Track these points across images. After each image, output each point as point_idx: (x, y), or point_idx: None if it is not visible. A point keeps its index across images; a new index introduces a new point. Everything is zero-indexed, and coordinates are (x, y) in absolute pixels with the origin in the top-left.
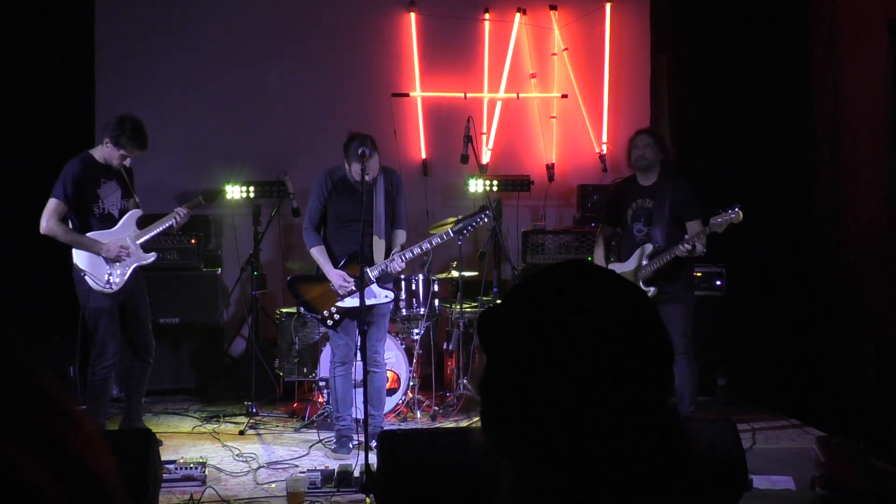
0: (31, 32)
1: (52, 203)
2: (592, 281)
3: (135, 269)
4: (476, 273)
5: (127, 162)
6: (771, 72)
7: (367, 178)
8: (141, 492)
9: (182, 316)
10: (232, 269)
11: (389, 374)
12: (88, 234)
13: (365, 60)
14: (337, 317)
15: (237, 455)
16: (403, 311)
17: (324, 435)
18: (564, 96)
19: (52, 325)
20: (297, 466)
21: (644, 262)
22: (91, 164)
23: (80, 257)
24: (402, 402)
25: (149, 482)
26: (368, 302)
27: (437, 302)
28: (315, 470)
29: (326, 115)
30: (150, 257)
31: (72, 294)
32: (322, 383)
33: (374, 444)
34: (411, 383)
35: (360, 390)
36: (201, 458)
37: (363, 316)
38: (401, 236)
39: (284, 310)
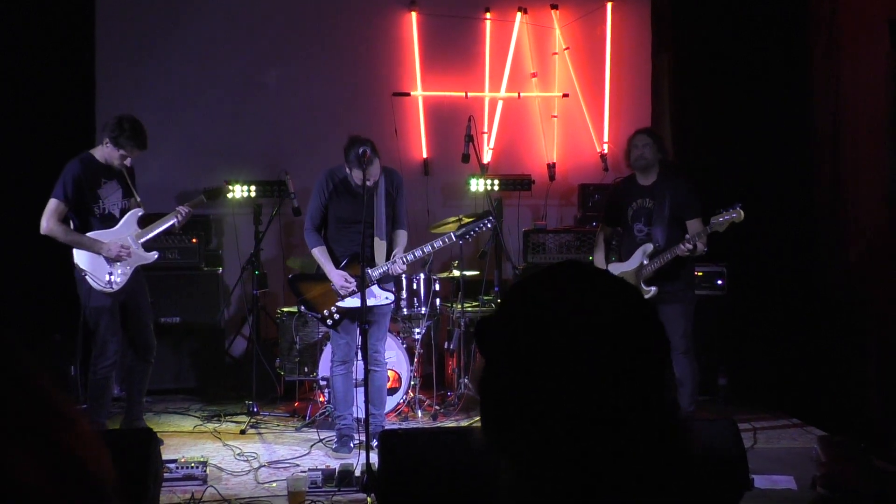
0: (32, 32)
1: (52, 203)
2: (592, 281)
3: (136, 269)
4: (477, 272)
5: (127, 162)
6: (771, 71)
7: (368, 182)
8: (142, 491)
9: (183, 315)
10: (233, 268)
11: (390, 373)
12: (89, 234)
13: (366, 60)
14: (337, 316)
15: (238, 454)
16: (405, 310)
17: (324, 434)
18: (565, 95)
19: (53, 324)
20: (297, 466)
21: (645, 262)
22: (91, 165)
23: (80, 257)
24: (404, 402)
25: (150, 481)
26: (369, 302)
27: (438, 301)
28: (316, 469)
29: (327, 114)
30: (152, 256)
31: (72, 294)
32: (323, 382)
33: (375, 443)
34: (412, 383)
35: (360, 389)
36: (202, 457)
37: (364, 316)
38: (402, 236)
39: (285, 309)
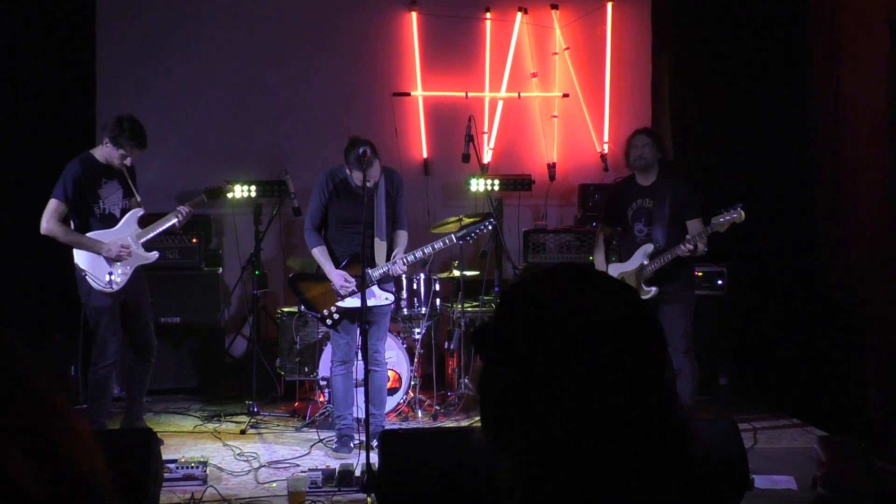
0: (32, 32)
1: (52, 204)
2: (591, 281)
3: (137, 269)
4: (477, 272)
5: (128, 161)
6: (771, 71)
7: (368, 184)
8: (142, 491)
9: (183, 315)
10: (233, 268)
11: (391, 373)
12: (89, 234)
13: (366, 60)
14: (336, 316)
15: (238, 454)
16: (405, 310)
17: (325, 434)
18: (566, 95)
19: (53, 324)
20: (298, 466)
21: (645, 263)
22: (92, 165)
23: (80, 257)
24: (404, 402)
25: (150, 481)
26: (369, 303)
27: (438, 301)
28: (316, 469)
29: (327, 114)
30: (153, 256)
31: (72, 294)
32: (323, 382)
33: (375, 443)
34: (412, 383)
35: (361, 389)
36: (202, 457)
37: (364, 316)
38: (402, 237)
39: (285, 309)
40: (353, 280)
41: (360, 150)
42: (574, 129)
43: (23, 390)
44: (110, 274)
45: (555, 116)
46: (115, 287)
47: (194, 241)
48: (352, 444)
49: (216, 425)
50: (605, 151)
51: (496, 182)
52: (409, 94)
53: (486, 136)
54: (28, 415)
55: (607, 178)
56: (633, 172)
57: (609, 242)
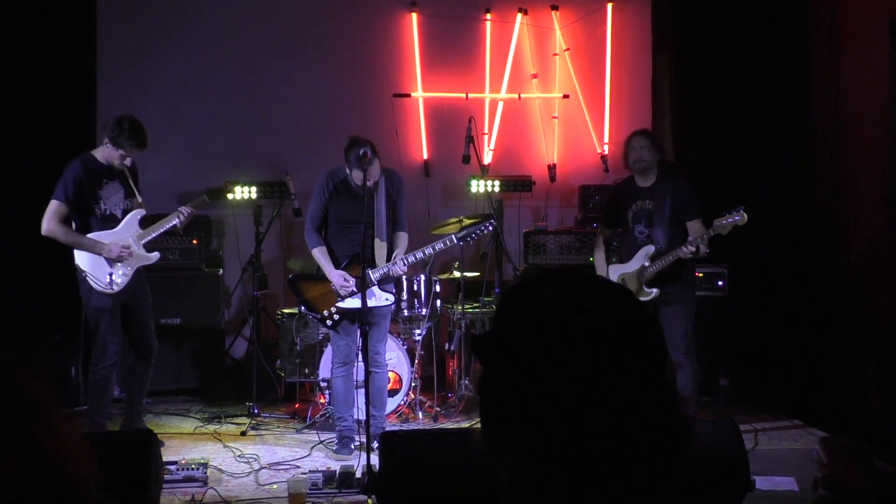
0: (32, 33)
1: (52, 205)
2: (590, 284)
3: (138, 269)
4: (478, 274)
5: (128, 162)
6: (771, 71)
7: (368, 183)
8: (142, 492)
9: (183, 316)
10: (233, 269)
11: (391, 374)
12: (90, 235)
13: (366, 61)
14: (336, 317)
15: (239, 456)
16: (405, 311)
17: (325, 436)
18: (566, 96)
19: (54, 325)
20: (298, 467)
21: (646, 264)
22: (92, 165)
23: (81, 258)
24: (404, 403)
25: (150, 483)
26: (369, 303)
27: (438, 302)
28: (317, 471)
29: (328, 115)
30: (154, 257)
31: (73, 294)
32: (323, 384)
33: (375, 444)
34: (413, 384)
35: (361, 391)
36: (203, 458)
37: (364, 317)
38: (402, 238)
39: (286, 310)
40: (353, 280)
41: (361, 151)
42: (574, 130)
43: (8, 391)
44: (111, 275)
45: (555, 117)
46: (116, 288)
47: (195, 242)
48: (352, 446)
49: (216, 427)
50: (606, 152)
51: (496, 183)
52: (409, 96)
53: (486, 137)
54: (11, 416)
55: (608, 180)
56: (632, 174)
57: (609, 244)
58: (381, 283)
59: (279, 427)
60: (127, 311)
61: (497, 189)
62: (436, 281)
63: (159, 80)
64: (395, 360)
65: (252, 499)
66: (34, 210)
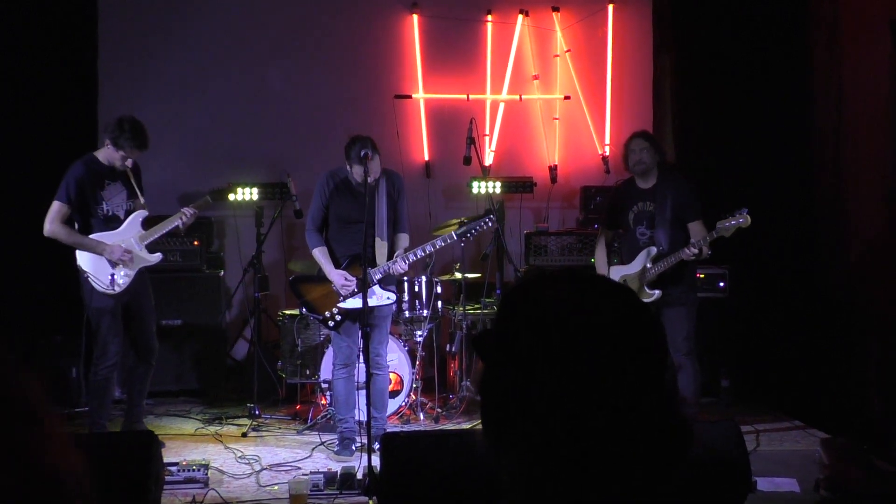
0: (34, 33)
1: (54, 206)
2: (591, 283)
3: (140, 270)
4: (479, 275)
5: (128, 163)
6: (772, 72)
7: (368, 179)
8: (143, 494)
9: (184, 318)
10: (234, 270)
11: (392, 376)
12: (92, 236)
13: (367, 62)
14: (338, 318)
15: (240, 457)
16: (406, 312)
17: (326, 437)
18: (567, 98)
19: (55, 326)
20: (299, 469)
21: (648, 266)
22: (94, 166)
23: (83, 259)
24: (405, 405)
25: (151, 484)
26: (370, 302)
27: (440, 304)
28: (318, 472)
29: (329, 116)
30: (156, 258)
31: (73, 295)
32: (325, 385)
33: (376, 446)
34: (414, 385)
35: (362, 392)
36: (204, 460)
37: (365, 318)
38: (403, 240)
39: (287, 311)
40: (354, 279)
41: (362, 153)
42: (575, 132)
43: None
44: (113, 276)
45: (556, 118)
46: (118, 289)
47: (196, 243)
48: (353, 447)
49: (217, 428)
50: (607, 153)
51: (498, 184)
52: (410, 97)
53: (487, 138)
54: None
55: (609, 181)
56: (633, 175)
57: (610, 245)
58: (383, 282)
59: (280, 428)
60: (129, 311)
61: (498, 190)
62: (437, 282)
63: (160, 80)
64: (397, 361)
65: (253, 500)
66: (35, 210)
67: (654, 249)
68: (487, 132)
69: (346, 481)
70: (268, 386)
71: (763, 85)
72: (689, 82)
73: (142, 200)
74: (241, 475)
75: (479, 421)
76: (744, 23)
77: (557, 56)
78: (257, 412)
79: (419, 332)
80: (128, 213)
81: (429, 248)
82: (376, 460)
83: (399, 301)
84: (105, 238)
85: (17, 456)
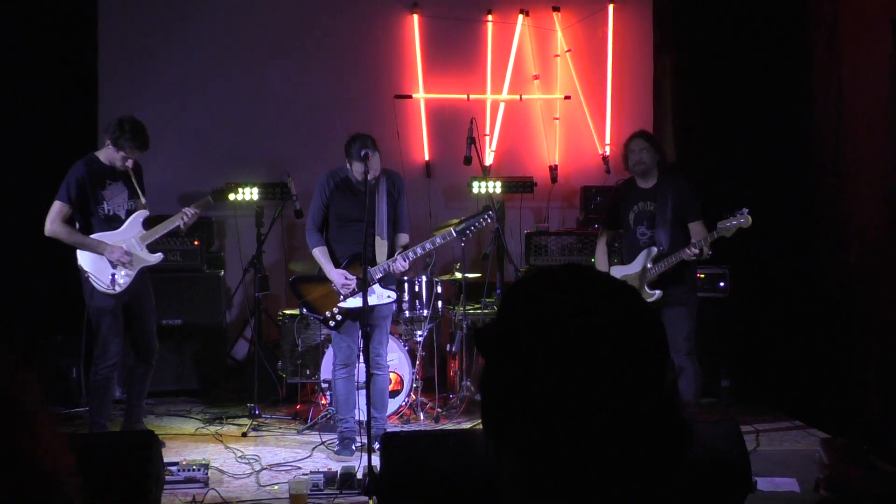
0: (34, 33)
1: (55, 205)
2: (592, 282)
3: (141, 270)
4: (479, 275)
5: (129, 163)
6: (772, 72)
7: (368, 177)
8: (143, 493)
9: (185, 317)
10: (235, 270)
11: (392, 375)
12: (93, 236)
13: (368, 62)
14: (339, 317)
15: (240, 457)
16: (406, 312)
17: (326, 437)
18: (567, 98)
19: (55, 325)
20: (299, 468)
21: (649, 266)
22: (95, 166)
23: (83, 258)
24: (405, 404)
25: (151, 483)
26: (370, 301)
27: (440, 304)
28: (318, 472)
29: (329, 116)
30: (157, 258)
31: (73, 295)
32: (325, 385)
33: (376, 445)
34: (414, 385)
35: (362, 392)
36: (204, 459)
37: (365, 317)
38: (403, 240)
39: (287, 311)
40: (354, 278)
41: (363, 153)
42: (576, 132)
43: None
44: (113, 275)
45: (556, 118)
46: (118, 289)
47: (196, 243)
48: (353, 447)
49: (218, 428)
50: (607, 153)
51: (498, 184)
52: (410, 97)
53: (487, 138)
54: None
55: (609, 181)
56: (633, 175)
57: (611, 245)
58: (383, 281)
59: (280, 428)
60: (129, 311)
61: (498, 190)
62: (437, 282)
63: (160, 80)
64: (397, 361)
65: (253, 500)
66: (35, 210)
67: (654, 249)
68: (488, 132)
69: (346, 481)
70: (268, 386)
71: (763, 85)
72: (689, 82)
73: (143, 200)
74: (242, 475)
75: (480, 421)
76: (744, 23)
77: (558, 56)
78: (257, 412)
79: (419, 332)
80: (129, 213)
81: (428, 246)
82: (376, 460)
83: (399, 301)
84: (106, 238)
85: (9, 455)
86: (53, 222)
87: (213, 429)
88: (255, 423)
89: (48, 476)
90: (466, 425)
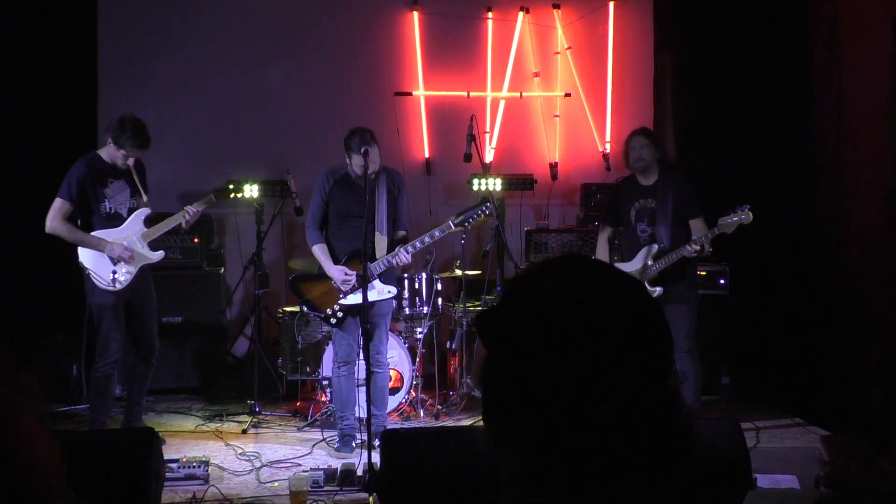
0: (34, 32)
1: (56, 203)
2: (594, 275)
3: (143, 268)
4: (479, 272)
5: (130, 161)
6: (773, 71)
7: (368, 170)
8: (143, 490)
9: (185, 315)
10: (235, 268)
11: (392, 373)
12: (94, 233)
13: (368, 59)
14: (340, 314)
15: (240, 454)
16: (407, 309)
17: (327, 434)
18: (568, 95)
19: (55, 324)
20: (299, 465)
21: (650, 263)
22: (97, 164)
23: (84, 256)
24: (406, 401)
25: (151, 480)
26: (370, 297)
27: (440, 301)
28: (318, 469)
29: (329, 114)
30: (158, 256)
31: (74, 293)
32: (325, 382)
33: (376, 442)
34: (414, 382)
35: (363, 389)
36: (204, 456)
37: (365, 313)
38: (401, 237)
39: (287, 309)
40: (353, 274)
41: (363, 150)
42: (576, 129)
43: None
44: (114, 273)
45: (557, 116)
46: (119, 286)
47: (196, 240)
48: (354, 444)
49: (218, 425)
50: (608, 151)
51: (498, 181)
52: (410, 94)
53: (487, 135)
54: None
55: (609, 178)
56: (634, 172)
57: (611, 242)
58: (384, 276)
59: (280, 425)
60: (130, 309)
61: (499, 187)
62: (437, 279)
63: (160, 80)
64: (397, 358)
65: (253, 497)
66: (35, 209)
67: (655, 246)
68: (488, 129)
69: (346, 478)
70: (268, 383)
71: (763, 84)
72: (689, 81)
73: (145, 198)
74: (242, 472)
75: (480, 418)
76: (744, 22)
77: (558, 53)
78: (258, 409)
79: (419, 329)
80: (131, 211)
81: (427, 239)
82: (376, 457)
83: (399, 298)
84: (107, 235)
85: None
86: (54, 219)
87: (213, 426)
88: (255, 420)
89: (34, 470)
90: (466, 422)
